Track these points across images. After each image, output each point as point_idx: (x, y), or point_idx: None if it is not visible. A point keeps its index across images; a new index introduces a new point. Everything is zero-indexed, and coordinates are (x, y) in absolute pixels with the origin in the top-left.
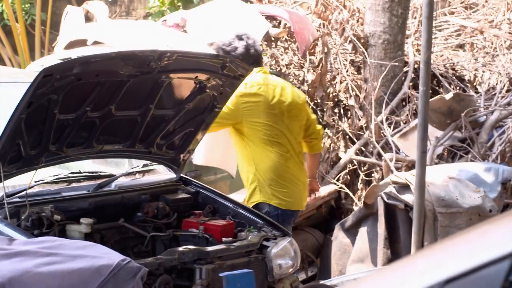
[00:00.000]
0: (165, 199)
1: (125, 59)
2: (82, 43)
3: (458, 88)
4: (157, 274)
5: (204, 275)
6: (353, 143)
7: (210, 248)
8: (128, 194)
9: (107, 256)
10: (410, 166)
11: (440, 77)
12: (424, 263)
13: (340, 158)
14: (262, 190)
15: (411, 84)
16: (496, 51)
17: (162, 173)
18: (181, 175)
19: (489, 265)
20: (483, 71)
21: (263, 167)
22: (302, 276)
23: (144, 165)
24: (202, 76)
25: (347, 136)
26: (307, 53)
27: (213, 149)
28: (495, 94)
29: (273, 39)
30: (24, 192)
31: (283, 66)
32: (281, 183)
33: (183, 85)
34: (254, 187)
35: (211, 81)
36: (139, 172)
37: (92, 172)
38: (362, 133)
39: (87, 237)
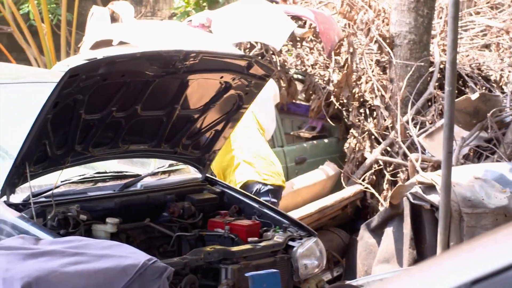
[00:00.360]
0: (190, 199)
1: (151, 59)
2: (107, 43)
3: (484, 88)
4: (183, 274)
5: (229, 275)
6: (379, 143)
7: (235, 248)
8: (154, 194)
9: (133, 256)
10: (436, 167)
11: (466, 77)
12: (451, 263)
13: (365, 158)
14: (247, 169)
15: (436, 84)
16: None
17: (188, 173)
18: (207, 175)
19: None
20: (509, 71)
21: (246, 145)
22: (327, 276)
23: (170, 165)
24: (227, 76)
25: (373, 136)
26: (333, 53)
27: None
28: None
29: (298, 39)
30: (50, 192)
31: (309, 66)
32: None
33: (209, 85)
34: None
35: (236, 81)
36: (164, 172)
37: (118, 172)
38: (388, 133)
39: (113, 237)
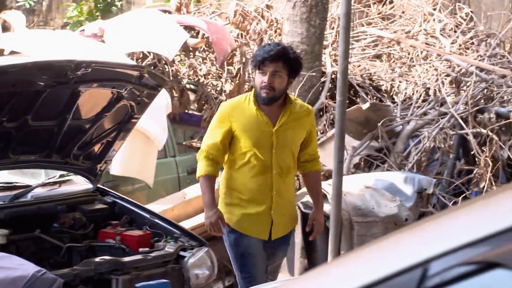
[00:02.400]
0: (81, 210)
1: (42, 69)
2: None
3: (375, 98)
4: (73, 285)
5: (120, 285)
6: None
7: (126, 259)
8: (45, 205)
9: (22, 268)
10: (327, 176)
11: (357, 87)
12: (338, 272)
13: None
14: None
15: (328, 94)
16: (413, 62)
17: (79, 184)
18: (98, 185)
19: (402, 274)
20: (400, 81)
21: None
22: (219, 286)
23: (61, 176)
24: (119, 87)
25: None
26: (225, 63)
27: (131, 159)
28: (411, 104)
29: (191, 49)
30: None
31: (201, 76)
32: None
33: (100, 95)
34: None
35: (128, 91)
36: (55, 182)
37: (8, 183)
38: None
39: (3, 248)
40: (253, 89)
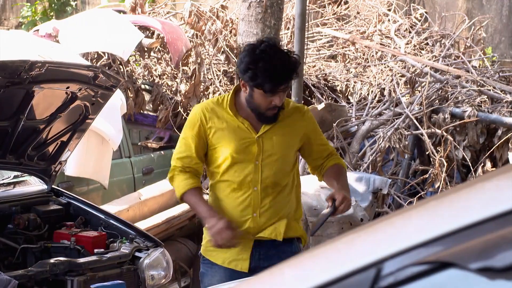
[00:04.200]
0: (36, 211)
1: None
2: None
3: (330, 98)
4: (28, 287)
5: (75, 287)
6: None
7: (81, 260)
8: None
9: None
10: None
11: (313, 88)
12: (292, 273)
13: None
14: None
15: None
16: (368, 62)
17: (33, 184)
18: (53, 186)
19: (356, 274)
20: (355, 82)
21: None
22: (175, 287)
23: (15, 176)
24: (74, 87)
25: None
26: (180, 64)
27: (86, 160)
28: (366, 104)
29: (146, 49)
30: None
31: (157, 76)
32: None
33: (55, 95)
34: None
35: (83, 91)
36: (9, 183)
37: None
38: None
39: None
40: (231, 92)
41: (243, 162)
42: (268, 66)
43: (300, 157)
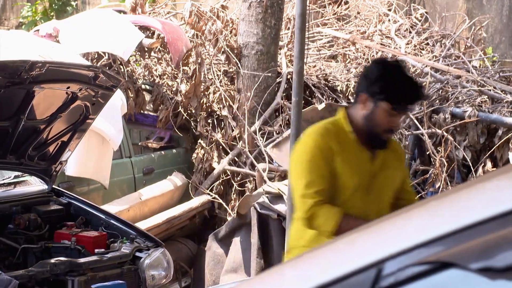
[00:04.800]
0: (36, 211)
1: None
2: None
3: (330, 98)
4: (28, 287)
5: (76, 287)
6: (227, 153)
7: (82, 260)
8: None
9: None
10: (283, 176)
11: (313, 88)
12: (292, 273)
13: (213, 169)
14: None
15: (284, 94)
16: (368, 62)
17: (33, 185)
18: (53, 186)
19: (356, 274)
20: (355, 82)
21: None
22: (176, 287)
23: (15, 176)
24: (74, 87)
25: (221, 147)
26: (181, 64)
27: (86, 160)
28: None
29: (146, 49)
30: None
31: (157, 76)
32: None
33: (55, 95)
34: None
35: (83, 91)
36: (10, 183)
37: None
38: (236, 144)
39: None
40: (344, 113)
41: (361, 195)
42: (404, 79)
43: None
